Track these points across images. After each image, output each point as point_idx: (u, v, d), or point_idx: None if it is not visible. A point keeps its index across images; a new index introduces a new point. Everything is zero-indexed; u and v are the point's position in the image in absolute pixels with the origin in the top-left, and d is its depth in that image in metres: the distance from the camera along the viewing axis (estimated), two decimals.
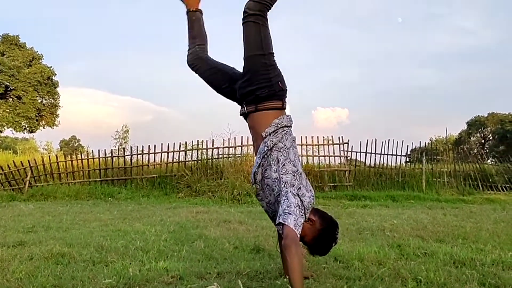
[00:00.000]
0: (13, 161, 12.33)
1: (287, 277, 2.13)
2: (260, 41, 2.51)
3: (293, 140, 2.51)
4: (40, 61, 32.04)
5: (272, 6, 2.53)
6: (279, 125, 2.46)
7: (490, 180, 12.82)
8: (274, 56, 2.56)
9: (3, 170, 11.79)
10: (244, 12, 2.52)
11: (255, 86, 2.50)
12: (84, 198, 10.04)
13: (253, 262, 3.14)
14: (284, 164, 2.38)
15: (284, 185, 2.34)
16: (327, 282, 2.55)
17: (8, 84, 29.68)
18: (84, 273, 2.80)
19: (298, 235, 2.18)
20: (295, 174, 2.38)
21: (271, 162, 2.40)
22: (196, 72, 2.82)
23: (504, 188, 12.62)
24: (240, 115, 2.66)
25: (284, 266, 2.73)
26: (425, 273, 2.70)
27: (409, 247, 3.61)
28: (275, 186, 2.40)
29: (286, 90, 2.58)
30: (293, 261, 2.08)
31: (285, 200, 2.27)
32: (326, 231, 2.43)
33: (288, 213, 2.21)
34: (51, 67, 32.09)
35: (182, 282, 2.59)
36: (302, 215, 2.28)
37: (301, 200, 2.31)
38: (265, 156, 2.43)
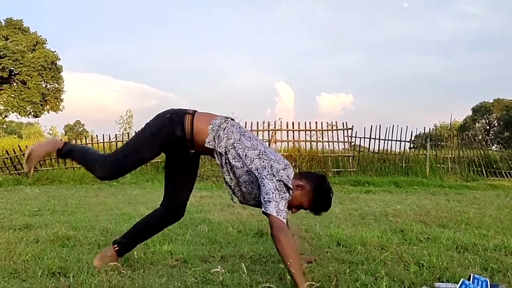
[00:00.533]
0: (19, 146, 12.41)
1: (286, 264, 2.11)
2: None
3: (239, 128, 2.43)
4: (44, 45, 31.95)
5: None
6: (214, 128, 2.36)
7: (494, 166, 12.79)
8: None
9: (8, 155, 11.87)
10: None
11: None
12: (89, 183, 10.10)
13: (256, 245, 3.16)
14: (245, 155, 2.33)
15: (257, 172, 2.30)
16: (330, 266, 2.57)
17: (12, 68, 29.67)
18: (89, 255, 2.83)
19: (284, 219, 2.17)
20: (260, 156, 2.33)
21: (233, 163, 2.34)
22: (126, 172, 2.66)
23: (508, 175, 12.60)
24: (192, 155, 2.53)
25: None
26: (428, 257, 2.71)
27: (412, 232, 3.62)
28: (251, 177, 2.36)
29: (176, 114, 2.42)
30: (285, 250, 2.07)
31: (263, 188, 2.24)
32: (318, 188, 2.42)
33: (268, 200, 2.19)
34: (55, 51, 32.03)
35: (186, 265, 2.62)
36: (283, 196, 2.25)
37: (278, 179, 2.28)
38: (226, 161, 2.36)
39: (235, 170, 2.36)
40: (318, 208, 2.47)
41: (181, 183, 2.67)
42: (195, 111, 2.45)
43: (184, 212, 2.72)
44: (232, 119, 2.48)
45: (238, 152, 2.34)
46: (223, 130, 2.36)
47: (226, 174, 2.40)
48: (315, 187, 2.42)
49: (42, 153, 2.58)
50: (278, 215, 2.15)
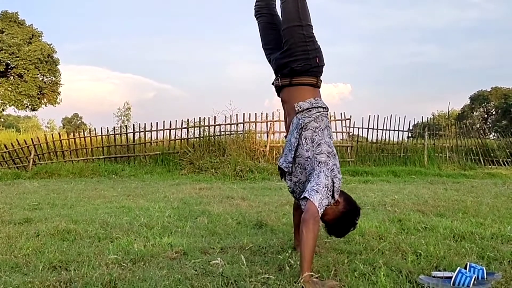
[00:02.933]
0: (17, 140, 12.38)
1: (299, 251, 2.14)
2: (297, 11, 2.48)
3: (328, 122, 2.49)
4: (40, 38, 31.73)
5: None
6: (314, 105, 2.43)
7: (492, 155, 12.83)
8: (312, 29, 2.52)
9: (7, 149, 11.85)
10: None
11: (292, 58, 2.47)
12: (88, 176, 10.11)
13: (255, 237, 3.18)
14: (319, 144, 2.37)
15: (318, 165, 2.33)
16: (329, 256, 2.59)
17: (9, 62, 29.50)
18: (90, 249, 2.85)
19: (320, 214, 2.19)
20: (330, 155, 2.37)
21: (303, 141, 2.38)
22: (257, 20, 2.81)
23: (505, 163, 12.64)
24: (274, 86, 2.63)
25: (296, 238, 2.77)
26: (425, 247, 2.74)
27: (410, 221, 3.65)
28: (307, 165, 2.38)
29: (323, 66, 2.55)
30: (308, 236, 2.08)
31: (316, 178, 2.27)
32: (347, 214, 2.43)
33: (316, 190, 2.20)
34: (51, 44, 31.83)
35: (186, 257, 2.64)
36: (329, 197, 2.27)
37: (332, 181, 2.30)
38: (299, 133, 2.40)
39: (298, 147, 2.41)
40: (334, 230, 2.49)
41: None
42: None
43: None
44: (328, 111, 2.53)
45: (314, 137, 2.39)
46: (317, 112, 2.43)
47: (290, 146, 2.46)
48: (346, 212, 2.44)
49: None
50: (318, 207, 2.17)
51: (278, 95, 2.66)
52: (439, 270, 2.29)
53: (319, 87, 2.57)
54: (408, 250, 2.69)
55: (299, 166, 2.44)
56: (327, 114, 2.52)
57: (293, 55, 2.47)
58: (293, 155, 2.44)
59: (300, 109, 2.43)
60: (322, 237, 3.10)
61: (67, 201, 5.49)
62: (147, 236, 3.19)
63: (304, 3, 2.52)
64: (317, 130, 2.40)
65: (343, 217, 2.43)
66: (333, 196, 2.33)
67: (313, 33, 2.52)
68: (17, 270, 2.39)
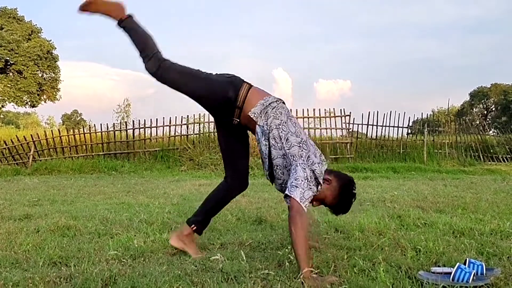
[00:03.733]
0: (16, 136, 12.39)
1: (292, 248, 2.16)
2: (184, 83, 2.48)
3: (287, 112, 2.46)
4: (39, 34, 31.69)
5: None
6: (265, 104, 2.40)
7: (491, 151, 12.84)
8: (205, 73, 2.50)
9: (6, 145, 11.85)
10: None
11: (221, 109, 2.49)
12: (87, 172, 10.12)
13: (255, 233, 3.19)
14: (287, 139, 2.36)
15: (293, 159, 2.33)
16: (328, 252, 2.60)
17: (8, 58, 29.47)
18: (90, 245, 2.85)
19: (305, 208, 2.19)
20: (301, 145, 2.37)
21: (273, 142, 2.37)
22: (163, 82, 2.55)
23: (505, 159, 12.65)
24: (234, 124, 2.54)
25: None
26: (425, 242, 2.74)
27: (409, 217, 3.65)
28: (285, 163, 2.39)
29: (236, 81, 2.47)
30: (298, 234, 2.09)
31: (293, 174, 2.27)
32: (344, 187, 2.44)
33: (295, 186, 2.21)
34: (51, 40, 31.80)
35: (186, 253, 2.64)
36: (312, 188, 2.27)
37: (312, 171, 2.30)
38: (266, 139, 2.39)
39: (271, 150, 2.39)
40: (338, 208, 2.50)
41: (237, 153, 2.69)
42: (252, 84, 2.51)
43: (248, 182, 2.76)
44: (283, 102, 2.51)
45: (281, 134, 2.37)
46: (272, 109, 2.40)
47: (262, 145, 2.43)
48: (342, 186, 2.45)
49: (102, 8, 2.49)
50: (301, 202, 2.17)
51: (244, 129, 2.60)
52: (439, 266, 2.30)
53: (254, 86, 2.51)
54: (407, 246, 2.69)
55: (278, 167, 2.43)
56: (283, 104, 2.49)
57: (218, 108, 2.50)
58: (268, 162, 2.44)
59: (255, 115, 2.40)
60: (322, 233, 3.11)
61: (67, 197, 5.50)
62: (147, 232, 3.20)
63: (177, 73, 2.49)
64: (280, 126, 2.38)
65: (342, 192, 2.44)
66: (318, 184, 2.34)
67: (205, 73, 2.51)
68: (17, 266, 2.39)
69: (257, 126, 2.41)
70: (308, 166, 2.31)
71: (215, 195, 2.73)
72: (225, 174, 2.73)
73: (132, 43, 2.55)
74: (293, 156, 2.34)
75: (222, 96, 2.42)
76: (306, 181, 2.24)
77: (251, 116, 2.40)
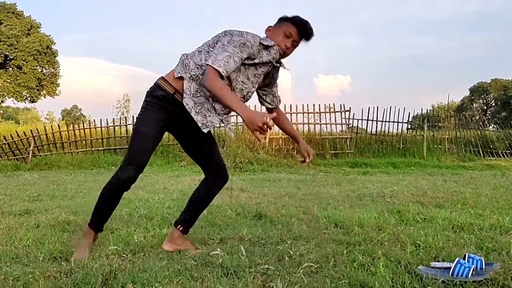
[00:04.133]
0: (16, 131, 12.38)
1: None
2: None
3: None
4: (39, 29, 31.59)
5: None
6: (179, 62, 2.39)
7: (491, 146, 12.85)
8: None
9: (6, 140, 11.85)
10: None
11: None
12: (87, 167, 10.12)
13: (255, 228, 3.19)
14: (208, 52, 2.33)
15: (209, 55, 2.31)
16: (328, 247, 2.60)
17: (8, 53, 29.40)
18: None
19: (219, 68, 2.15)
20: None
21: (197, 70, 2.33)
22: None
23: (504, 154, 12.66)
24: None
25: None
26: (424, 237, 2.75)
27: (409, 212, 3.65)
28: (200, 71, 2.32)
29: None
30: (216, 86, 2.11)
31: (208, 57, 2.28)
32: (288, 18, 2.44)
33: (209, 56, 2.24)
34: (50, 35, 31.70)
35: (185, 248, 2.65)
36: (228, 50, 2.22)
37: (233, 44, 2.25)
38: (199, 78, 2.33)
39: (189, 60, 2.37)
40: (302, 31, 2.44)
41: (206, 151, 2.66)
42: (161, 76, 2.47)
43: (228, 173, 2.74)
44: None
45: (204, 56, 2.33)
46: (187, 57, 2.38)
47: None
48: (283, 18, 2.45)
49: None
50: (213, 64, 2.16)
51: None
52: (438, 261, 2.30)
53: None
54: (407, 241, 2.69)
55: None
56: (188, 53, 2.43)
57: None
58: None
59: (181, 73, 2.36)
60: (321, 229, 3.11)
61: (67, 192, 5.50)
62: (147, 227, 3.20)
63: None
64: (201, 55, 2.36)
65: (290, 19, 2.43)
66: (246, 48, 2.29)
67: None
68: (18, 261, 2.40)
69: (185, 79, 2.35)
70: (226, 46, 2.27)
71: (198, 193, 2.71)
72: (205, 174, 2.70)
73: None
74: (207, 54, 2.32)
75: (161, 102, 2.38)
76: (221, 48, 2.23)
77: (177, 75, 2.35)
